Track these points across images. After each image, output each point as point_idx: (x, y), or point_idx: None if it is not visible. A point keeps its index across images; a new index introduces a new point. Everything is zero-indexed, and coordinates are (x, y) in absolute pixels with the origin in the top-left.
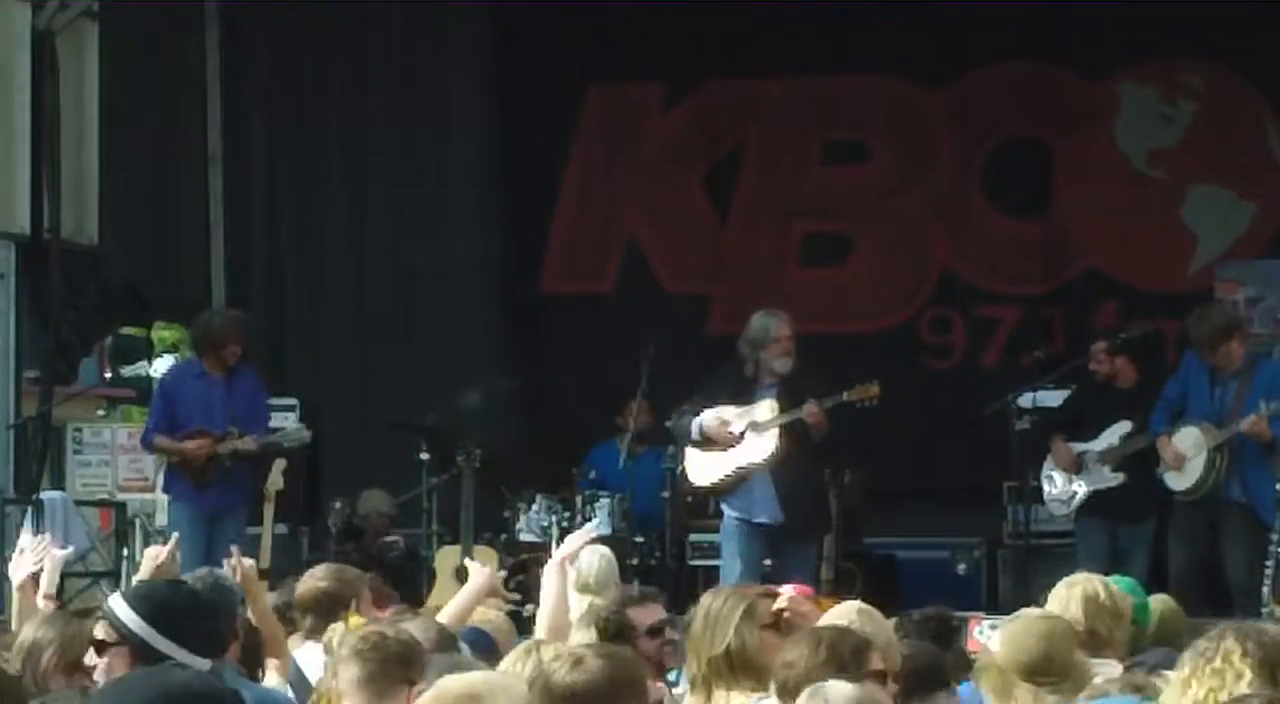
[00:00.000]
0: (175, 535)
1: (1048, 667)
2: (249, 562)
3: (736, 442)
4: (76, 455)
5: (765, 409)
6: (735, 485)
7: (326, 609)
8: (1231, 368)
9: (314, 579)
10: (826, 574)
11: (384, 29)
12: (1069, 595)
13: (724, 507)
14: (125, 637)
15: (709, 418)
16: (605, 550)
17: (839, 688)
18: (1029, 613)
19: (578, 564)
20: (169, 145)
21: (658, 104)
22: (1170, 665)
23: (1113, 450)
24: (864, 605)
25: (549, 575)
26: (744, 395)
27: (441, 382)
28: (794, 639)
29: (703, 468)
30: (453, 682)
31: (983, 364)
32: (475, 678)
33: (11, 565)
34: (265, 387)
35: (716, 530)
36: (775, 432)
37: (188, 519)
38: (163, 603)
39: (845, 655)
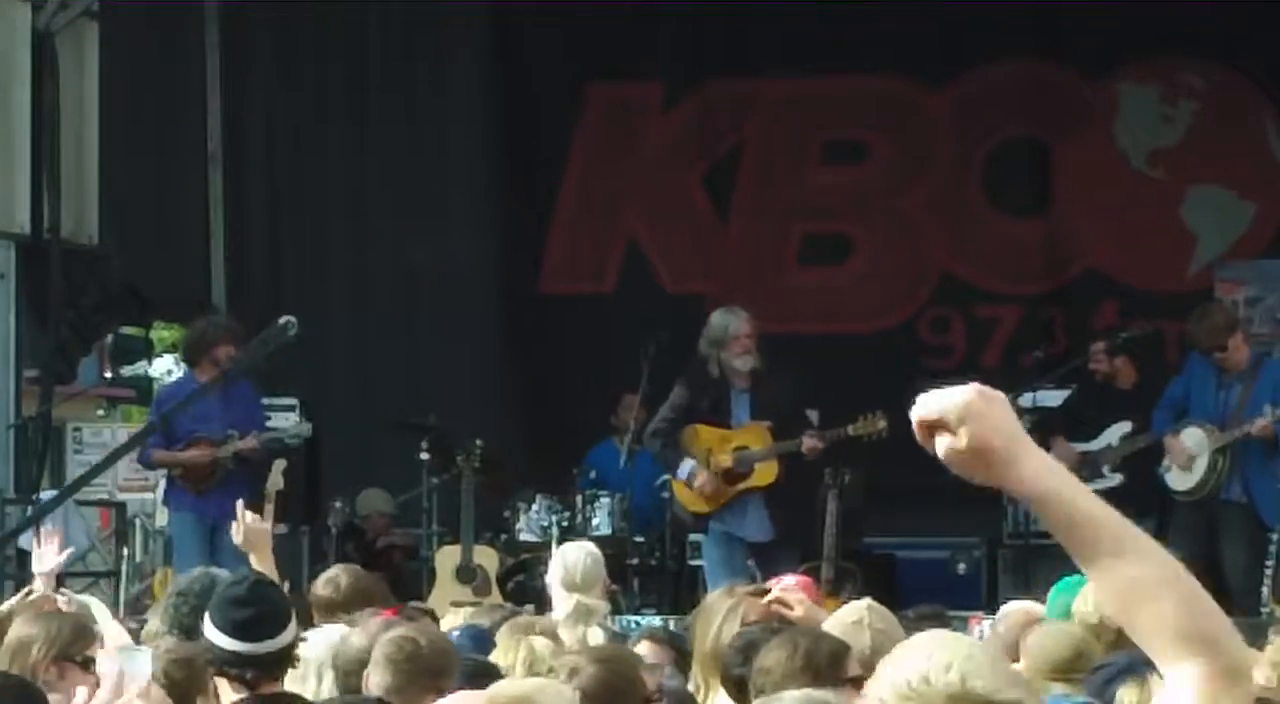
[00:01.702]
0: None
1: (1077, 664)
2: (251, 517)
3: (728, 476)
4: (76, 455)
5: (754, 435)
6: (731, 506)
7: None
8: (1237, 369)
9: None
10: (827, 574)
11: (384, 29)
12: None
13: (712, 522)
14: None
15: (698, 473)
16: (591, 547)
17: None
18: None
19: (564, 562)
20: (169, 145)
21: (658, 104)
22: (1137, 670)
23: (1112, 451)
24: (875, 604)
25: None
26: (723, 402)
27: (441, 382)
28: (770, 644)
29: (695, 499)
30: (506, 686)
31: (983, 364)
32: (528, 683)
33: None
34: (260, 393)
35: None
36: (774, 461)
37: (189, 529)
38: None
39: (821, 662)
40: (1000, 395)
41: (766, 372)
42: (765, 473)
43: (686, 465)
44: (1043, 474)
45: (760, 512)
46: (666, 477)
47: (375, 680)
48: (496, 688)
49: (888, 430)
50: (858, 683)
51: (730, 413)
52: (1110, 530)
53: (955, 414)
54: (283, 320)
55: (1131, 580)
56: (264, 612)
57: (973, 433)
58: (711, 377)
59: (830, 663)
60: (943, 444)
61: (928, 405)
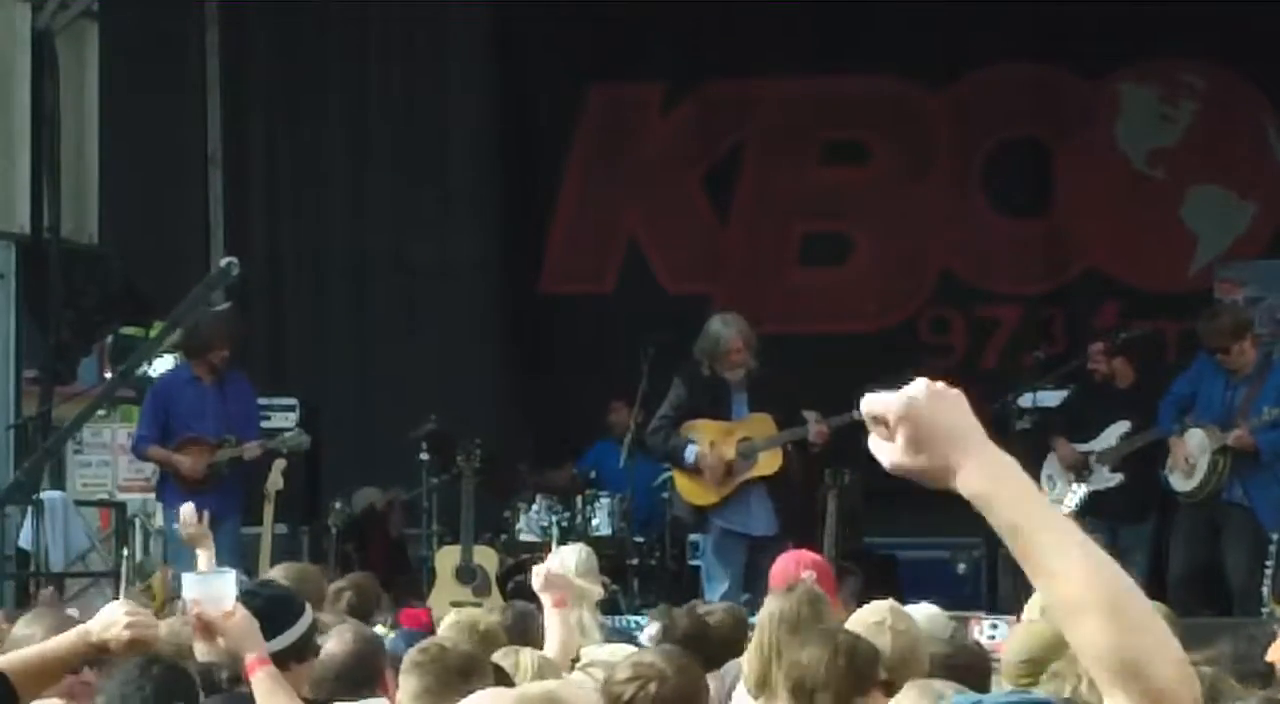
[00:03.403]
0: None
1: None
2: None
3: (732, 467)
4: (76, 455)
5: (758, 425)
6: (734, 500)
7: None
8: (1242, 371)
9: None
10: None
11: (384, 29)
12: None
13: (714, 518)
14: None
15: (704, 452)
16: (582, 546)
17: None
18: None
19: (560, 554)
20: (169, 145)
21: (658, 104)
22: None
23: (1112, 450)
24: (897, 605)
25: (550, 618)
26: (723, 399)
27: (441, 382)
28: (810, 640)
29: (700, 490)
30: (534, 687)
31: (983, 364)
32: (554, 683)
33: None
34: (256, 391)
35: None
36: (778, 450)
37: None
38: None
39: (861, 664)
40: (951, 393)
41: (760, 371)
42: (769, 462)
43: (691, 449)
44: (975, 482)
45: (764, 504)
46: (665, 475)
47: (405, 688)
48: (525, 688)
49: None
50: (886, 687)
51: (730, 408)
52: (1042, 546)
53: (894, 414)
54: (224, 262)
55: (1061, 600)
56: (253, 615)
57: (907, 438)
58: (711, 380)
59: (868, 665)
60: (882, 451)
61: (872, 402)
